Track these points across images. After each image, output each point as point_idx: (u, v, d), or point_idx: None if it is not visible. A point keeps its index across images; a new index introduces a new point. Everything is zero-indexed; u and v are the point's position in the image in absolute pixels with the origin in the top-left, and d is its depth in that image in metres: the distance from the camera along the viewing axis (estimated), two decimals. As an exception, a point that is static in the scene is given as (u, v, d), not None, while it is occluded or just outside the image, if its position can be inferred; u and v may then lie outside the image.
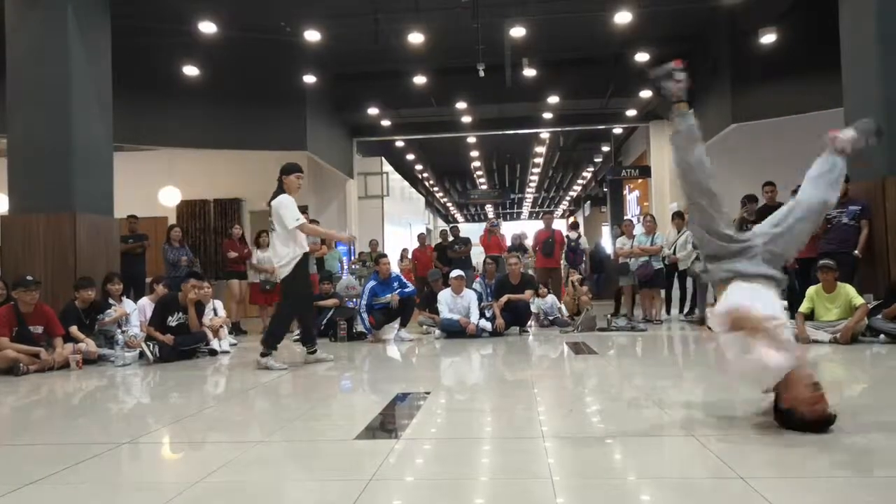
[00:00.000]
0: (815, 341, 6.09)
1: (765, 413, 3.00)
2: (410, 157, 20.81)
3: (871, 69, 6.84)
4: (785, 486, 2.20)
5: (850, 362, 5.26)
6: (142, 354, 6.20)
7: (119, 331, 6.70)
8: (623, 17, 10.19)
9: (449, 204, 33.11)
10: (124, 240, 8.71)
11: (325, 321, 8.09)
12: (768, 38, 10.32)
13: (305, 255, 5.68)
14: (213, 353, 6.67)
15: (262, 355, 5.55)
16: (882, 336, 6.00)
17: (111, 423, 3.78)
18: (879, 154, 6.69)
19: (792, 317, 6.58)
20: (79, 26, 7.34)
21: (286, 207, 5.55)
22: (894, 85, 6.68)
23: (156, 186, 12.98)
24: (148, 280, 8.22)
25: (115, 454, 2.92)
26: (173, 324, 6.46)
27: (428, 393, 4.20)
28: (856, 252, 6.82)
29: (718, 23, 11.42)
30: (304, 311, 6.03)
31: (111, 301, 6.92)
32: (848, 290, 6.24)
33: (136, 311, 7.02)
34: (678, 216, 9.42)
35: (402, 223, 20.67)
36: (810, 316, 6.38)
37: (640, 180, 17.35)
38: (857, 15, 7.14)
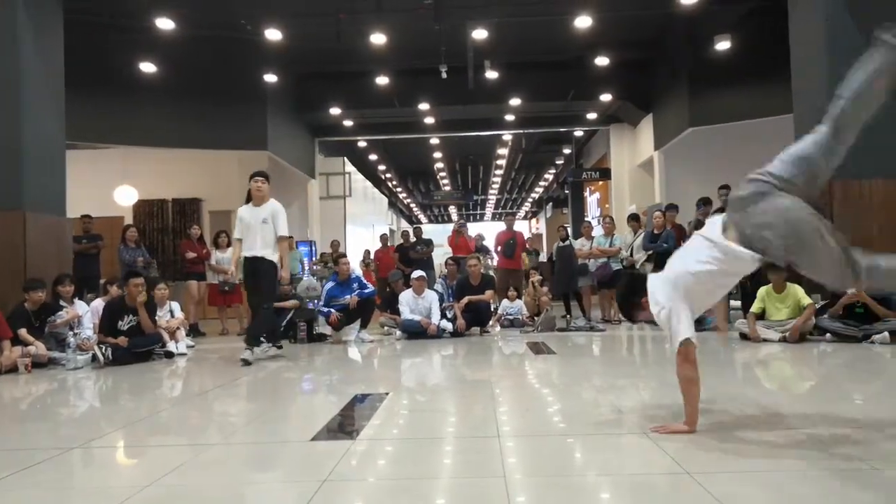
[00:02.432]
0: (766, 340, 6.28)
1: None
2: (373, 157, 20.73)
3: (819, 77, 7.04)
4: (728, 480, 2.27)
5: (798, 360, 5.44)
6: (94, 357, 6.05)
7: (71, 333, 6.52)
8: (583, 22, 10.34)
9: (412, 205, 33.08)
10: (78, 240, 8.49)
11: (285, 322, 8.01)
12: (724, 44, 10.59)
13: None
14: (170, 355, 6.54)
15: (247, 349, 5.88)
16: (828, 335, 6.21)
17: (61, 428, 3.69)
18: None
19: (744, 317, 6.80)
20: (30, 20, 7.13)
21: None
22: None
23: (111, 185, 12.67)
24: (102, 281, 8.03)
25: (66, 458, 2.86)
26: (125, 328, 6.29)
27: (387, 393, 4.20)
28: (805, 253, 7.02)
29: (676, 29, 11.67)
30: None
31: (62, 303, 6.73)
32: (797, 290, 6.44)
33: (88, 313, 6.84)
34: (633, 218, 9.59)
35: (364, 224, 20.56)
36: (761, 315, 6.57)
37: (600, 182, 17.61)
38: (805, 24, 7.36)
